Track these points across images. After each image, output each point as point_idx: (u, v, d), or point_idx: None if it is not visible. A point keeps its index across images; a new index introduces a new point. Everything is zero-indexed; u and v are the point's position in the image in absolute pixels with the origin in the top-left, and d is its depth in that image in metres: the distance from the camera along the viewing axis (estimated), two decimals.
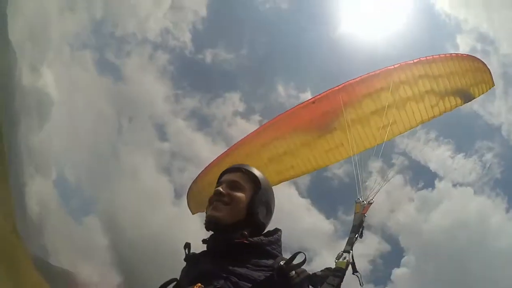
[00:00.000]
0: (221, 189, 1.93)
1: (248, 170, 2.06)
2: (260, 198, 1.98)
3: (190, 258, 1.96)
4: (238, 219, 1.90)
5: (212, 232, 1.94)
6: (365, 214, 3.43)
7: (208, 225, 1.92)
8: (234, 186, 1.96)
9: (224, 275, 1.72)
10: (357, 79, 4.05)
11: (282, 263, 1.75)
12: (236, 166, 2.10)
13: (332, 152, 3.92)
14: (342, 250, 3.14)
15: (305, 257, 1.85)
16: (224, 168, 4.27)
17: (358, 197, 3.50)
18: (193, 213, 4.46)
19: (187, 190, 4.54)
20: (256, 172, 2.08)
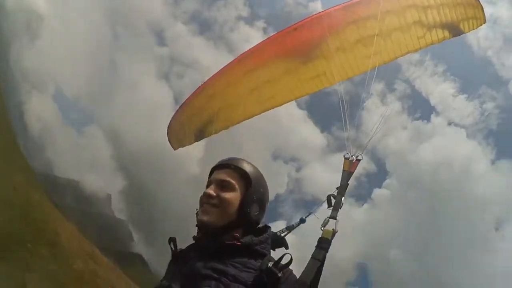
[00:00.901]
0: (209, 191, 1.89)
1: (237, 166, 1.98)
2: (252, 196, 1.93)
3: (178, 255, 1.95)
4: (229, 221, 1.87)
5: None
6: (353, 172, 3.12)
7: (199, 229, 1.91)
8: (223, 185, 1.91)
9: (216, 276, 1.73)
10: (342, 5, 3.82)
11: (270, 264, 1.76)
12: (224, 162, 2.02)
13: (314, 80, 3.80)
14: (328, 215, 2.77)
15: (291, 258, 1.84)
16: (205, 99, 4.14)
17: (347, 152, 3.20)
18: (175, 149, 4.49)
19: (167, 127, 4.50)
20: (247, 166, 2.00)
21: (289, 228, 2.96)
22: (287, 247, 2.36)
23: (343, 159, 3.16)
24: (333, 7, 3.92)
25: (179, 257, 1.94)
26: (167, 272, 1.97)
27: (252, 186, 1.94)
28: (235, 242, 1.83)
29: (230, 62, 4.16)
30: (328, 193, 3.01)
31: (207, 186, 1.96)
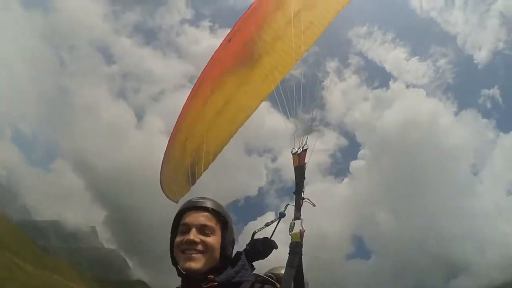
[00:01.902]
0: (193, 238, 1.91)
1: (215, 210, 2.04)
2: (230, 238, 2.04)
3: None
4: (213, 265, 1.93)
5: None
6: (306, 163, 2.94)
7: (184, 276, 1.92)
8: (204, 230, 1.95)
9: None
10: None
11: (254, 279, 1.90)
12: (198, 204, 2.04)
13: (268, 79, 3.71)
14: (293, 218, 2.68)
15: (267, 279, 1.98)
16: (181, 146, 4.03)
17: (293, 147, 3.02)
18: (177, 201, 4.41)
19: (160, 185, 4.44)
20: (222, 209, 2.09)
21: (267, 224, 2.84)
22: (276, 247, 2.36)
23: (291, 155, 3.01)
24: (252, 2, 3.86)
25: None
26: None
27: (229, 228, 2.04)
28: (212, 284, 1.86)
29: (186, 100, 4.12)
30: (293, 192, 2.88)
31: (183, 231, 1.97)
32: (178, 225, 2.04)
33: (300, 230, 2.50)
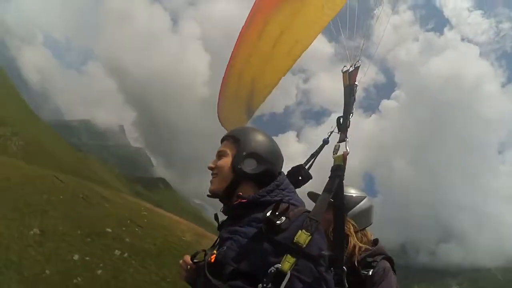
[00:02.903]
0: (209, 165, 2.07)
1: (227, 134, 2.18)
2: (241, 152, 2.01)
3: (219, 227, 2.08)
4: (227, 183, 2.00)
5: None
6: (356, 83, 2.80)
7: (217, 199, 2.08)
8: (219, 156, 2.08)
9: (230, 236, 1.85)
10: None
11: (268, 213, 1.72)
12: (223, 136, 2.19)
13: (324, 10, 3.48)
14: (338, 140, 2.59)
15: (289, 206, 1.79)
16: (236, 79, 4.09)
17: (344, 65, 2.88)
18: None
19: (219, 119, 4.50)
20: (234, 129, 2.20)
21: (314, 155, 2.83)
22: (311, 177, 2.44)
23: (342, 73, 2.88)
24: None
25: (220, 229, 2.06)
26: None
27: (240, 144, 2.03)
28: (240, 201, 1.92)
29: (239, 34, 4.03)
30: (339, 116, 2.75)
31: None
32: None
33: (344, 152, 2.37)
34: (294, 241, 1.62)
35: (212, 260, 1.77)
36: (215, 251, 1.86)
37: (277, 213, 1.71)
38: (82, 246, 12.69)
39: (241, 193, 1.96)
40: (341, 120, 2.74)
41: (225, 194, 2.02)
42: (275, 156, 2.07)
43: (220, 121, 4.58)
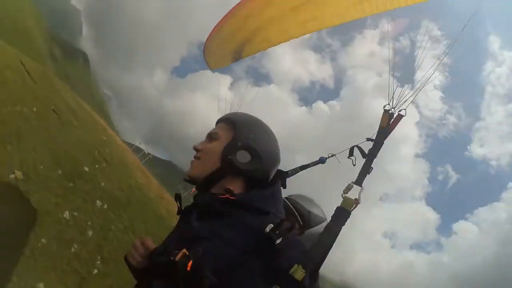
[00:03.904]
0: (194, 145, 1.83)
1: (224, 116, 1.91)
2: (236, 141, 1.78)
3: (182, 213, 1.82)
4: (211, 171, 1.76)
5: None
6: (392, 130, 2.54)
7: (187, 182, 1.84)
8: (210, 138, 1.85)
9: (210, 237, 1.56)
10: None
11: (268, 229, 1.52)
12: (221, 116, 1.93)
13: (363, 4, 3.41)
14: (353, 181, 2.30)
15: (292, 224, 1.60)
16: (241, 19, 3.91)
17: (388, 103, 2.57)
18: (212, 69, 4.38)
19: (204, 46, 4.33)
20: (235, 115, 1.92)
21: (303, 167, 2.58)
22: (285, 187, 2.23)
23: (383, 110, 2.59)
24: None
25: (183, 215, 1.82)
26: (168, 235, 1.86)
27: (237, 132, 1.81)
28: (229, 197, 1.65)
29: None
30: (366, 138, 2.53)
31: None
32: None
33: (355, 198, 2.16)
34: (290, 273, 1.47)
35: (188, 268, 1.42)
36: (185, 251, 1.47)
37: (277, 232, 1.51)
38: (67, 195, 10.29)
39: (230, 188, 1.70)
40: (354, 150, 2.51)
41: (205, 182, 1.78)
42: (273, 158, 1.86)
43: (204, 49, 4.40)
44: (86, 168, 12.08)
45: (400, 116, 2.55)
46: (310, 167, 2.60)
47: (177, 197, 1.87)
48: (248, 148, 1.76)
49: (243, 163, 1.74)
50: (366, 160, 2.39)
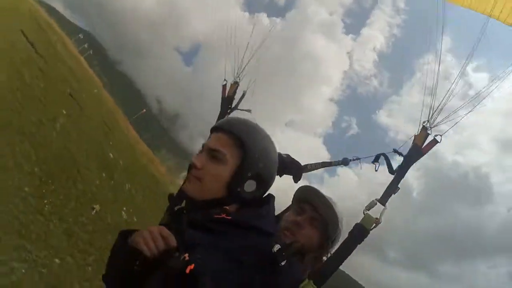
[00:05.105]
0: (194, 161, 1.58)
1: (231, 130, 1.60)
2: (246, 171, 1.57)
3: (173, 214, 1.64)
4: (214, 197, 1.56)
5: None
6: (425, 153, 2.34)
7: (181, 199, 1.64)
8: (213, 156, 1.58)
9: (207, 246, 1.40)
10: None
11: (275, 250, 1.48)
12: (221, 125, 1.65)
13: None
14: (377, 198, 2.19)
15: (299, 247, 1.83)
16: None
17: (426, 121, 2.37)
18: None
19: None
20: (244, 130, 1.61)
21: (324, 164, 2.62)
22: (298, 176, 2.38)
23: (419, 127, 2.37)
24: None
25: (174, 217, 1.62)
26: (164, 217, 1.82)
27: (247, 159, 1.57)
28: (225, 216, 1.52)
29: None
30: (393, 149, 2.37)
31: (199, 151, 1.65)
32: None
33: (377, 218, 2.09)
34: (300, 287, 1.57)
35: (188, 271, 1.29)
36: (186, 256, 1.32)
37: (284, 254, 1.48)
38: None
39: (227, 208, 1.57)
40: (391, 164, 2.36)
41: (203, 205, 1.58)
42: (274, 178, 1.71)
43: None
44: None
45: (435, 142, 2.37)
46: (332, 166, 2.64)
47: (170, 197, 1.73)
48: (257, 177, 1.60)
49: (248, 192, 1.60)
50: (394, 178, 2.26)
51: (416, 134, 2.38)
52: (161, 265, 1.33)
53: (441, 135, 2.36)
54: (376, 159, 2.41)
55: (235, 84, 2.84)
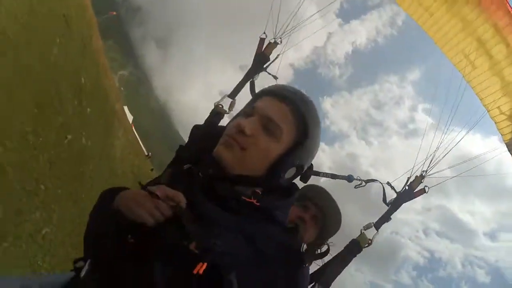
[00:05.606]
0: (245, 126, 1.30)
1: (298, 108, 1.34)
2: (296, 157, 1.35)
3: (181, 174, 1.37)
4: (250, 174, 1.31)
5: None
6: (415, 197, 2.68)
7: (209, 164, 1.32)
8: (267, 126, 1.31)
9: (231, 229, 1.21)
10: None
11: (303, 249, 1.56)
12: (286, 93, 1.37)
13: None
14: (375, 221, 2.53)
15: (329, 247, 2.02)
16: None
17: (421, 166, 2.73)
18: None
19: None
20: (311, 114, 1.38)
21: (332, 176, 2.55)
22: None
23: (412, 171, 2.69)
24: None
25: (184, 178, 1.34)
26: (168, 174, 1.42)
27: (303, 147, 1.36)
28: (254, 202, 1.28)
29: None
30: (387, 182, 2.69)
31: (246, 113, 1.38)
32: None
33: (370, 239, 2.40)
34: None
35: (204, 266, 1.03)
36: (199, 244, 1.08)
37: (310, 255, 1.58)
38: None
39: (259, 192, 1.31)
40: (386, 199, 2.67)
41: (235, 179, 1.32)
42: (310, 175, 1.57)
43: None
44: None
45: (423, 191, 2.67)
46: (337, 178, 2.56)
47: (181, 149, 1.53)
48: (299, 168, 1.40)
49: (285, 180, 1.38)
50: (388, 210, 2.57)
51: (410, 176, 2.66)
52: (165, 236, 1.09)
53: (429, 187, 2.64)
54: (373, 180, 2.66)
55: (275, 44, 2.58)
